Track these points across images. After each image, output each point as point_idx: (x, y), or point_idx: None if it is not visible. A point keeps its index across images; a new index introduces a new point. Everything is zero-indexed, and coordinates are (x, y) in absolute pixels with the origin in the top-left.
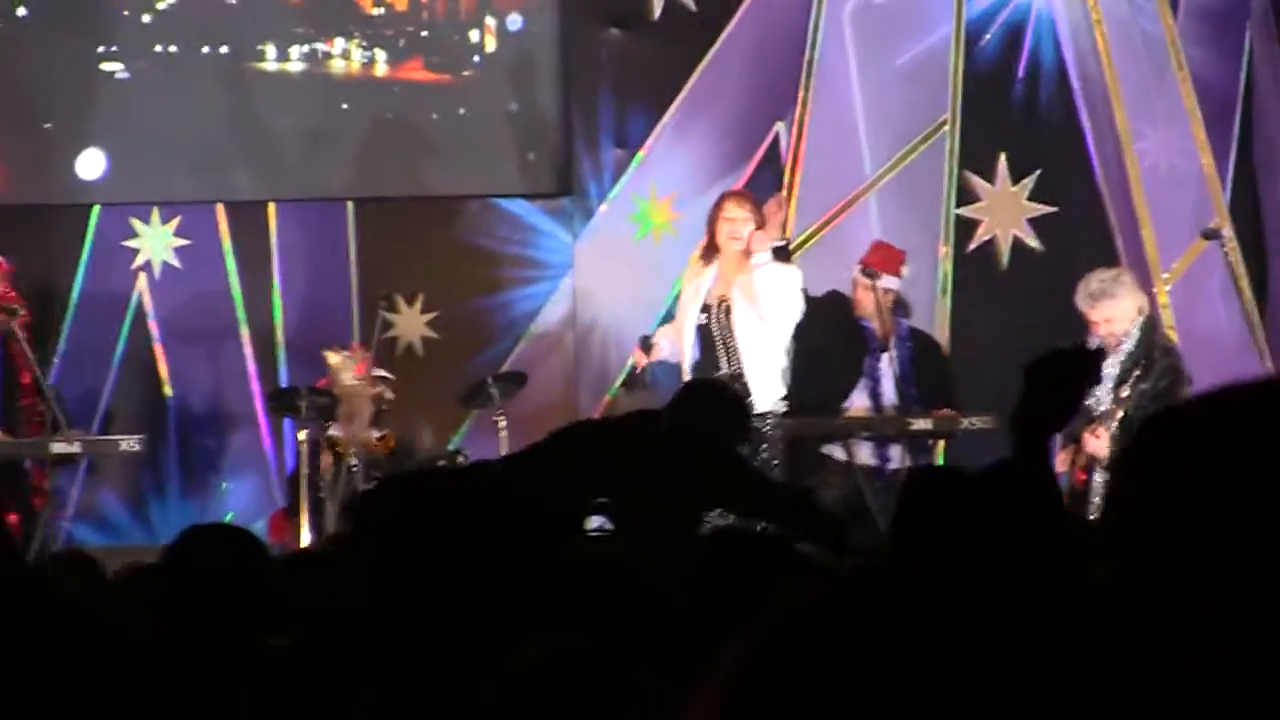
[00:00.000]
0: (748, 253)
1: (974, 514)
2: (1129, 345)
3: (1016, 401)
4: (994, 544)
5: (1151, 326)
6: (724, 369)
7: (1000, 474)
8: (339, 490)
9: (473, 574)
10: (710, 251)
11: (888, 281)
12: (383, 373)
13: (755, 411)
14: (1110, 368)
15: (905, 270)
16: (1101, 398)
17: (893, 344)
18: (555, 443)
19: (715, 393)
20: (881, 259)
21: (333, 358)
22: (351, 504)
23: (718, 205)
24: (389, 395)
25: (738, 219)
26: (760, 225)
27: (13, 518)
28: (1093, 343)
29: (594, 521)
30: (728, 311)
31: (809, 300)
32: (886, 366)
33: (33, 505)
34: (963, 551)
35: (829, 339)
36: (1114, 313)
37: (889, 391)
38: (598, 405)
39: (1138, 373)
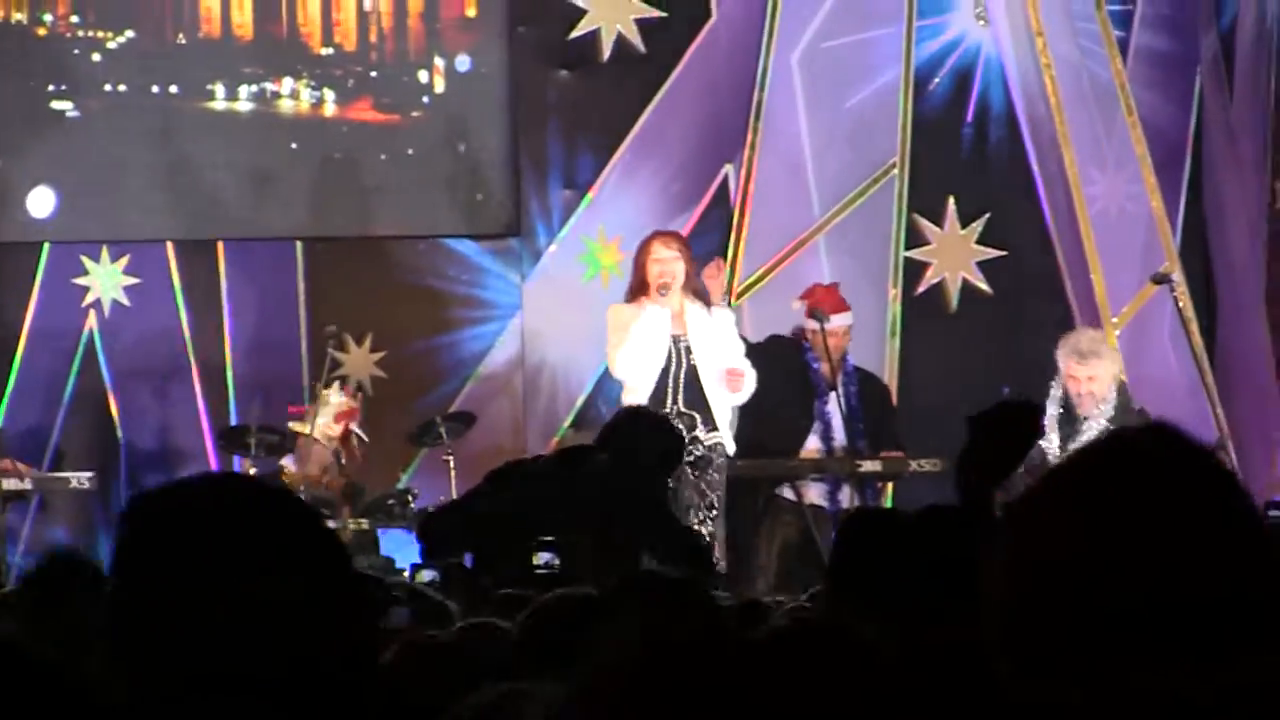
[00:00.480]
0: (697, 292)
1: (906, 556)
2: (1108, 410)
3: (960, 451)
4: (926, 587)
5: (1126, 393)
6: (671, 406)
7: (934, 517)
8: None
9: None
10: (638, 292)
11: (838, 320)
12: (359, 431)
13: (711, 443)
14: (1089, 428)
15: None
16: (1052, 448)
17: (840, 383)
18: (493, 484)
19: (656, 422)
20: (827, 299)
21: (331, 395)
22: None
23: (645, 246)
24: (355, 452)
25: (666, 259)
26: (689, 263)
27: None
28: (1054, 394)
29: (542, 558)
30: (687, 350)
31: (759, 342)
32: (834, 408)
33: None
34: (895, 594)
35: (780, 382)
36: (1099, 372)
37: (838, 432)
38: (547, 445)
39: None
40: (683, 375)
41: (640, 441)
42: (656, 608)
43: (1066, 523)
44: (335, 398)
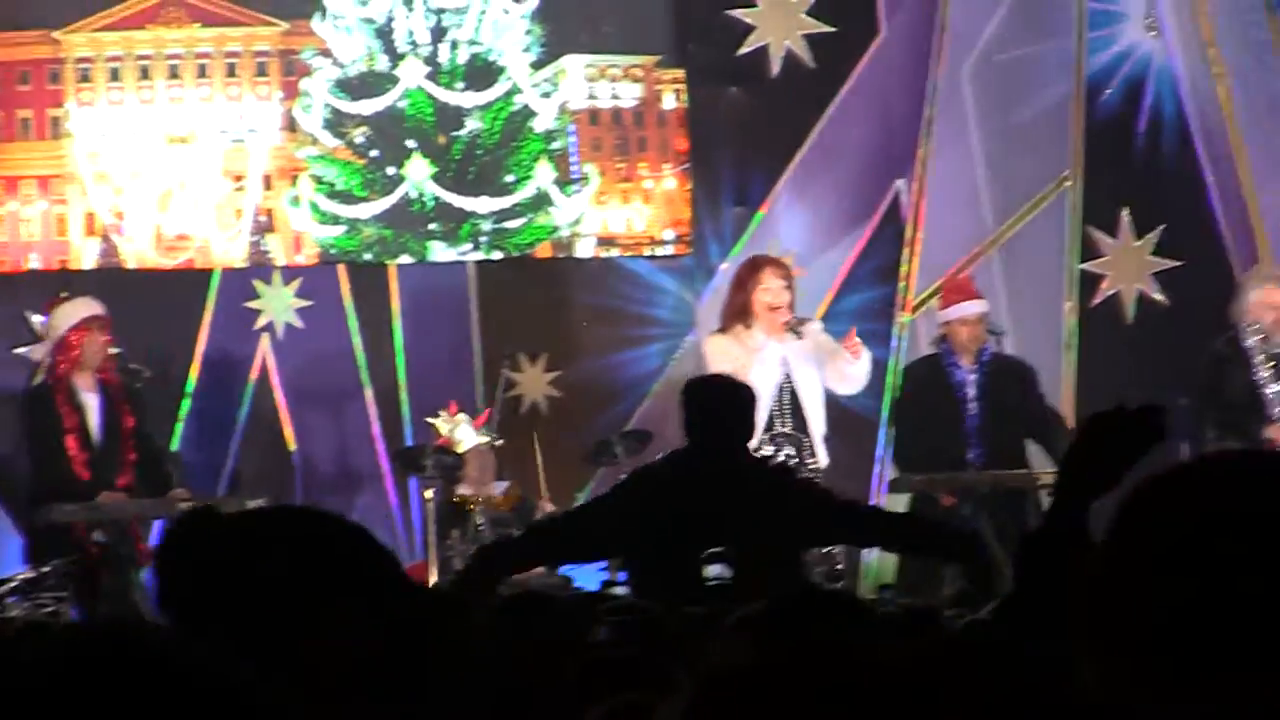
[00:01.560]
0: (791, 323)
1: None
2: None
3: (1065, 454)
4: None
5: None
6: (780, 429)
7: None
8: (468, 548)
9: None
10: (736, 318)
11: (970, 308)
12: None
13: (814, 467)
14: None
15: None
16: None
17: (974, 375)
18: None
19: (727, 387)
20: (954, 288)
21: (441, 425)
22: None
23: (754, 274)
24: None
25: (776, 288)
26: (793, 292)
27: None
28: (1252, 340)
29: (713, 570)
30: (788, 376)
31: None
32: (975, 406)
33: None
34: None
35: (931, 399)
36: None
37: (976, 432)
38: None
39: None
40: (786, 400)
41: (720, 410)
42: (818, 622)
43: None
44: (444, 426)
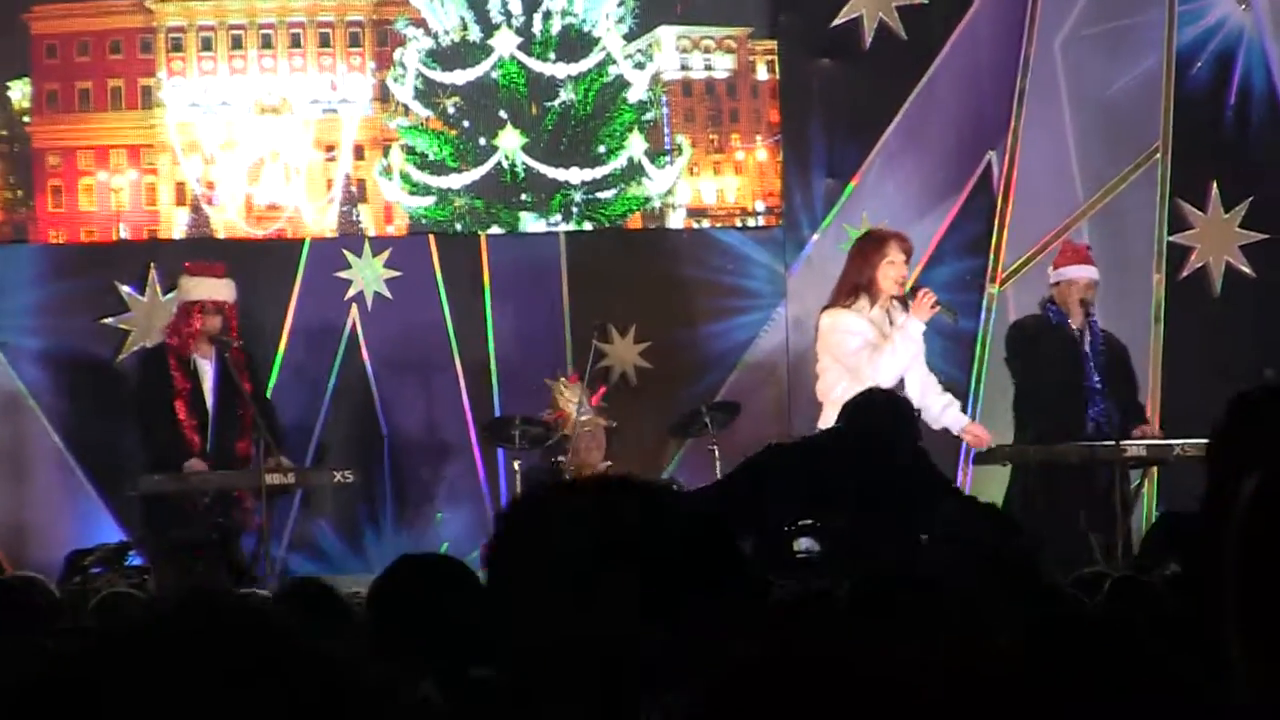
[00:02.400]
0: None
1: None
2: None
3: (1212, 434)
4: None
5: None
6: None
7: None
8: None
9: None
10: (856, 292)
11: (1079, 271)
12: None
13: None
14: None
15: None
16: None
17: (1087, 338)
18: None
19: (892, 401)
20: (1070, 251)
21: (566, 391)
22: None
23: (881, 246)
24: (612, 424)
25: (898, 262)
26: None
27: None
28: None
29: (802, 544)
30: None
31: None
32: (1095, 376)
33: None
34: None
35: (1047, 366)
36: None
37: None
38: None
39: None
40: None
41: (880, 421)
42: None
43: None
44: (568, 392)
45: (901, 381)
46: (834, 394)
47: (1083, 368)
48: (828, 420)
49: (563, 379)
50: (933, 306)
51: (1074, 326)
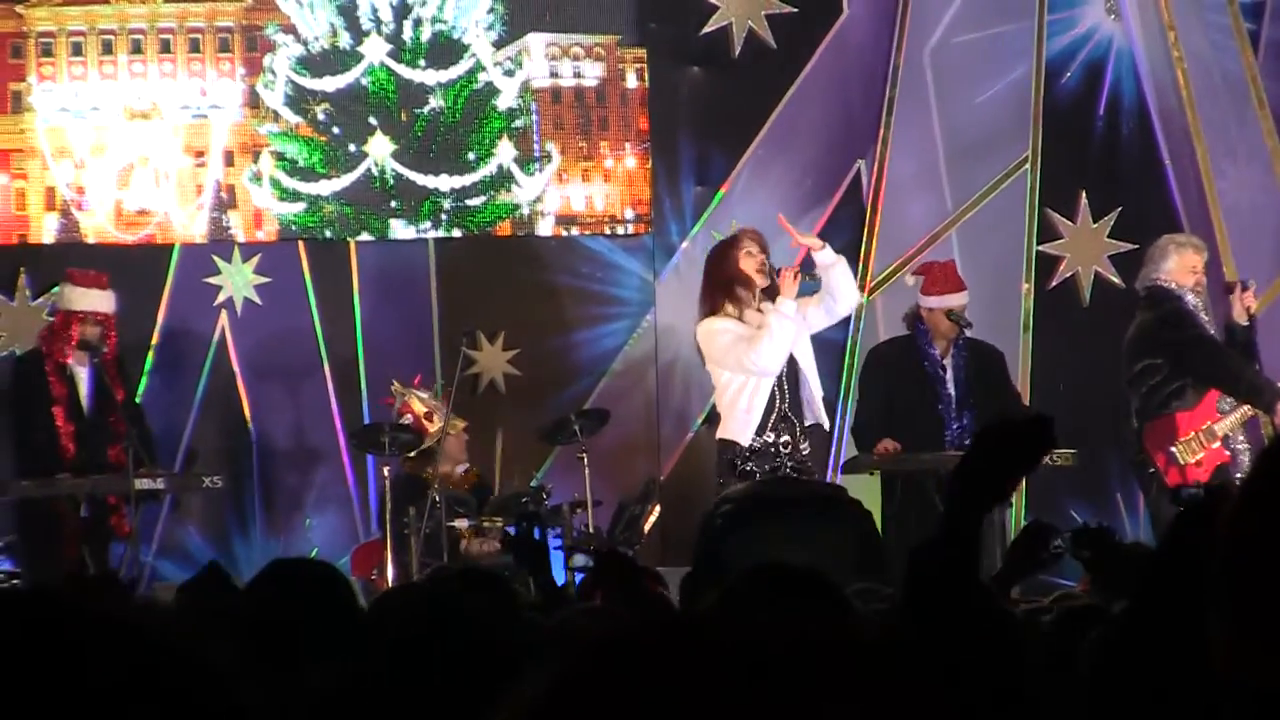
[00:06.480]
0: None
1: None
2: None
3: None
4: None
5: None
6: (780, 408)
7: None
8: (423, 525)
9: None
10: (723, 294)
11: (953, 299)
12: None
13: (806, 452)
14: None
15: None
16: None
17: (950, 360)
18: None
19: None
20: (942, 276)
21: (416, 404)
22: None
23: (732, 244)
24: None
25: (754, 252)
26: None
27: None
28: (1189, 300)
29: None
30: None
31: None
32: (950, 378)
33: (114, 538)
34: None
35: (903, 382)
36: None
37: (955, 416)
38: (680, 441)
39: None
40: (784, 374)
41: None
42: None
43: None
44: (419, 405)
45: (794, 361)
46: (726, 397)
47: (939, 392)
48: (727, 430)
49: (410, 386)
50: (795, 278)
51: (937, 353)
